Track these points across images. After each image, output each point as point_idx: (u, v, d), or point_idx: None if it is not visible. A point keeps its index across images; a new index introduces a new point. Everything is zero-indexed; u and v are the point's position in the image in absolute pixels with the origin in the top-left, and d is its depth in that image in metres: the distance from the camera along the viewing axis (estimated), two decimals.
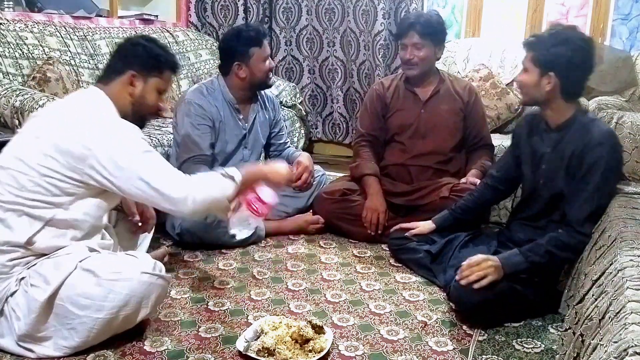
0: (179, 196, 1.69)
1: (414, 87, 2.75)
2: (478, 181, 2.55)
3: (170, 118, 3.28)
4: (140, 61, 1.81)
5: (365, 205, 2.66)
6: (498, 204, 2.70)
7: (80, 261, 1.64)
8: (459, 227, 2.35)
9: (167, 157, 2.65)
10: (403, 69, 2.74)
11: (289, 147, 2.99)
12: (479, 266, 1.87)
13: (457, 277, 1.90)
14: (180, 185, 1.71)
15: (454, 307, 2.01)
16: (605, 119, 2.34)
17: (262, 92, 2.79)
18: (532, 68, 1.96)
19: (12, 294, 1.64)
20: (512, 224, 2.21)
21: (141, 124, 1.88)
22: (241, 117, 2.70)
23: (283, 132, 2.96)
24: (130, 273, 1.64)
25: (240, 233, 2.51)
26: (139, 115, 1.84)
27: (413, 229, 2.40)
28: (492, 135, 2.84)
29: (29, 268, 1.65)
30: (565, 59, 1.90)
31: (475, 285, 1.85)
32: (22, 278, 1.65)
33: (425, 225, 2.38)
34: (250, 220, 2.23)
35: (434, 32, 2.64)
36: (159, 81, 1.85)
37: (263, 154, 3.04)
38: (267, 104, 2.84)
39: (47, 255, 1.67)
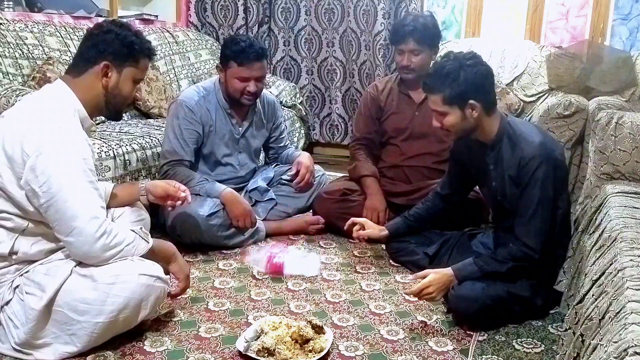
0: (92, 230, 1.56)
1: (408, 90, 2.75)
2: None
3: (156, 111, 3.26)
4: (114, 50, 1.68)
5: (365, 204, 2.66)
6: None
7: (75, 266, 1.62)
8: (433, 225, 2.36)
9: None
10: (400, 72, 2.74)
11: (288, 148, 2.98)
12: (420, 294, 1.90)
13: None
14: (100, 221, 1.59)
15: None
16: (605, 118, 2.34)
17: (262, 95, 2.72)
18: (448, 109, 1.90)
19: (7, 303, 1.62)
20: (498, 232, 2.19)
21: (117, 116, 1.81)
22: (234, 121, 2.67)
23: (283, 136, 2.95)
24: (127, 276, 1.62)
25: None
26: (114, 107, 1.75)
27: (363, 229, 2.36)
28: None
29: (21, 275, 1.63)
30: (472, 80, 1.87)
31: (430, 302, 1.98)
32: (17, 286, 1.62)
33: (377, 232, 2.37)
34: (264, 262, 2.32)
35: (431, 37, 2.64)
36: (134, 70, 1.74)
37: (263, 156, 3.04)
38: (265, 108, 2.79)
39: (38, 260, 1.64)
